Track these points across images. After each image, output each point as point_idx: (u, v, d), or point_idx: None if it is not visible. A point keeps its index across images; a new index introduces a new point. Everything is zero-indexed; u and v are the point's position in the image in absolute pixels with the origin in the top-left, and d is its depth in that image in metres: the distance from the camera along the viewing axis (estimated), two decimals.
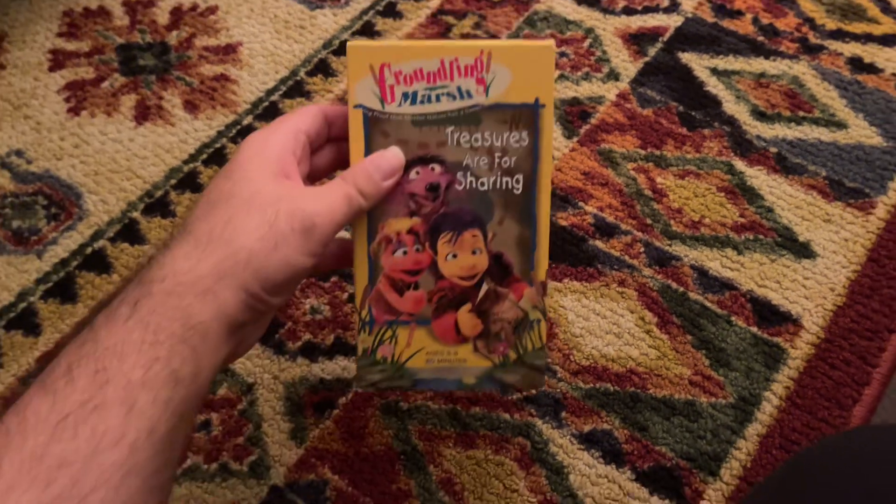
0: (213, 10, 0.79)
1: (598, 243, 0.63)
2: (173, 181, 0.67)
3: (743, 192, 0.65)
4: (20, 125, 0.71)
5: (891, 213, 0.64)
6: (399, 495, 0.52)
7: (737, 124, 0.69)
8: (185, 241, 0.35)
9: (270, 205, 0.35)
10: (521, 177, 0.40)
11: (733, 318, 0.59)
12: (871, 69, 0.73)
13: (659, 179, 0.66)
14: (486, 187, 0.40)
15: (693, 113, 0.70)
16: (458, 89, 0.39)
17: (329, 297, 0.60)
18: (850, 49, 0.74)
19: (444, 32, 0.76)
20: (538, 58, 0.39)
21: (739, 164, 0.67)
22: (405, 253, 0.41)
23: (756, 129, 0.69)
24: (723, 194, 0.65)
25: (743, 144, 0.68)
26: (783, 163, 0.67)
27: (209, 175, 0.68)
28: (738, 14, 0.77)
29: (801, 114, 0.70)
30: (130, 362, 0.31)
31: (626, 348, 0.58)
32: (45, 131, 0.70)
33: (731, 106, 0.71)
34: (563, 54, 0.75)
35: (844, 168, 0.67)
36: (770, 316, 0.59)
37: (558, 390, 0.56)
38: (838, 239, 0.63)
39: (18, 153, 0.69)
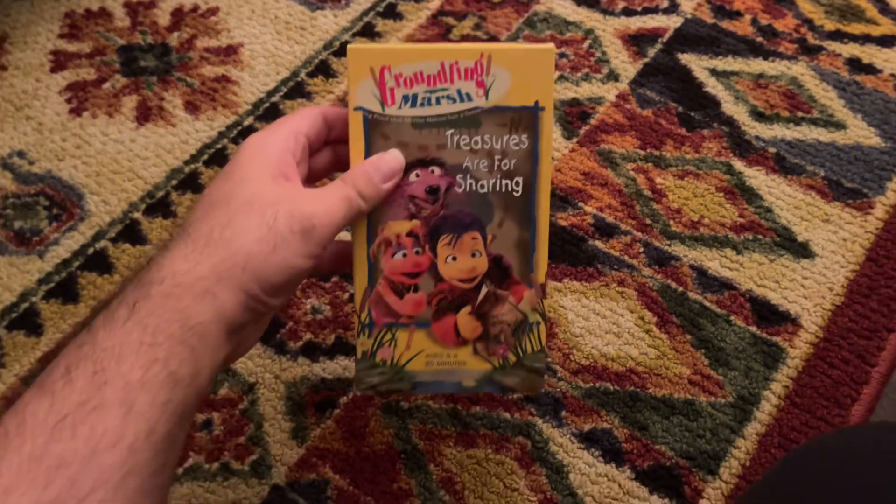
0: (213, 11, 0.79)
1: (598, 243, 0.63)
2: (174, 182, 0.68)
3: (742, 192, 0.66)
4: (22, 126, 0.71)
5: (889, 213, 0.64)
6: (400, 494, 0.52)
7: (736, 125, 0.70)
8: (183, 243, 0.35)
9: (269, 206, 0.35)
10: (520, 179, 0.40)
11: (732, 318, 0.59)
12: (870, 70, 0.73)
13: (658, 180, 0.66)
14: (485, 190, 0.40)
15: (692, 113, 0.71)
16: (458, 92, 0.39)
17: (330, 297, 0.61)
18: (849, 50, 0.75)
19: (445, 33, 0.77)
20: (538, 61, 0.39)
21: (738, 165, 0.67)
22: (405, 255, 0.41)
23: (755, 129, 0.69)
24: (722, 194, 0.65)
25: (742, 145, 0.68)
26: (782, 163, 0.67)
27: (210, 176, 0.68)
28: (737, 15, 0.78)
29: (800, 114, 0.70)
30: (129, 363, 0.31)
31: (626, 348, 0.58)
32: (47, 132, 0.71)
33: (730, 106, 0.71)
34: (562, 55, 0.75)
35: (843, 168, 0.67)
36: (769, 315, 0.59)
37: (558, 389, 0.56)
38: (837, 239, 0.63)
39: (20, 154, 0.69)
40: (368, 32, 0.77)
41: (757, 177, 0.66)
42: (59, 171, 0.68)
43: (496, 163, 0.40)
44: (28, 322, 0.60)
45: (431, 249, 0.41)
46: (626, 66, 0.74)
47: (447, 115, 0.39)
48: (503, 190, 0.40)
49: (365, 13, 0.79)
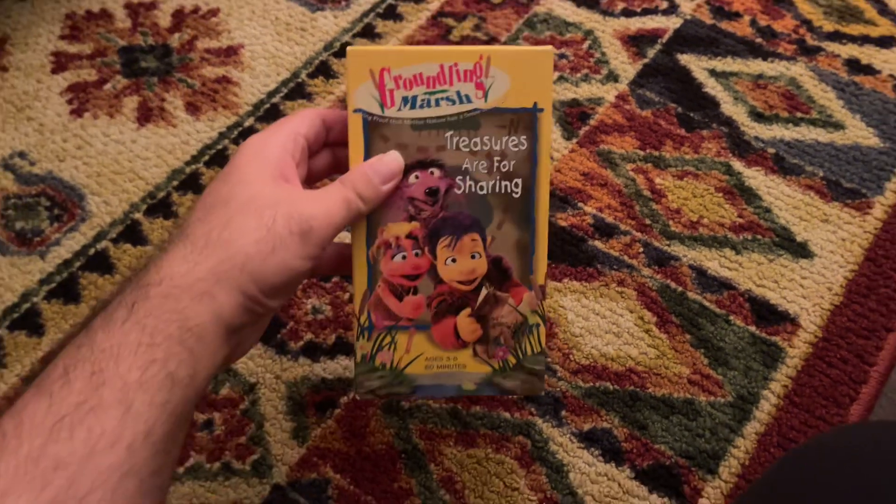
0: (214, 12, 0.79)
1: (598, 243, 0.63)
2: (175, 182, 0.68)
3: (741, 192, 0.66)
4: (23, 127, 0.71)
5: (888, 214, 0.65)
6: (400, 494, 0.53)
7: (735, 125, 0.70)
8: (182, 244, 0.35)
9: (268, 208, 0.35)
10: (519, 181, 0.40)
11: (732, 318, 0.59)
12: (868, 70, 0.73)
13: (658, 180, 0.67)
14: (485, 191, 0.40)
15: (691, 114, 0.71)
16: (458, 94, 0.39)
17: (331, 297, 0.61)
18: (848, 51, 0.75)
19: (445, 34, 0.77)
20: (537, 63, 0.39)
21: (737, 165, 0.67)
22: (404, 257, 0.41)
23: (754, 129, 0.70)
24: (721, 195, 0.66)
25: (741, 145, 0.69)
26: (781, 163, 0.67)
27: (211, 176, 0.68)
28: (736, 16, 0.78)
29: (799, 115, 0.70)
30: (127, 364, 0.31)
31: (626, 347, 0.58)
32: (48, 133, 0.71)
33: (729, 107, 0.71)
34: (562, 56, 0.75)
35: (842, 168, 0.67)
36: (768, 315, 0.60)
37: (558, 389, 0.56)
38: (836, 239, 0.63)
39: (21, 155, 0.70)
40: (369, 33, 0.77)
41: (756, 177, 0.67)
42: (61, 171, 0.68)
43: (495, 164, 0.40)
44: (29, 322, 0.60)
45: (431, 251, 0.41)
46: (626, 66, 0.74)
47: (446, 116, 0.39)
48: (502, 191, 0.40)
49: (365, 14, 0.79)
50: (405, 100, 0.39)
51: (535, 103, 0.39)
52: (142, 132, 0.71)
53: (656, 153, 0.68)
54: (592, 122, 0.70)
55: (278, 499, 0.53)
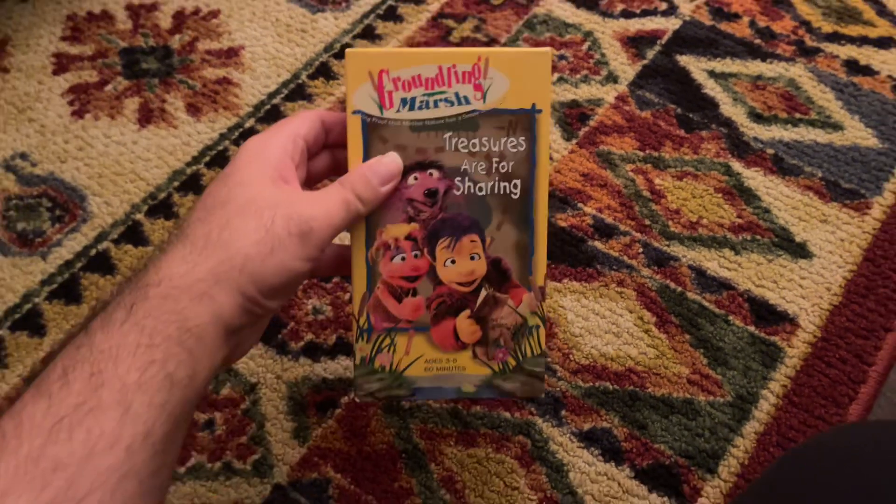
0: (215, 13, 0.79)
1: (598, 244, 0.63)
2: (176, 183, 0.68)
3: (740, 192, 0.66)
4: (24, 128, 0.71)
5: (886, 214, 0.65)
6: (401, 493, 0.53)
7: (734, 126, 0.70)
8: (181, 245, 0.35)
9: (267, 209, 0.35)
10: (518, 182, 0.40)
11: (731, 318, 0.60)
12: (867, 71, 0.73)
13: (657, 181, 0.67)
14: (483, 192, 0.40)
15: (691, 115, 0.71)
16: (456, 95, 0.39)
17: (331, 297, 0.61)
18: (846, 51, 0.75)
19: (445, 36, 0.77)
20: (535, 64, 0.39)
21: (737, 166, 0.68)
22: (403, 259, 0.41)
23: (753, 130, 0.70)
24: (720, 195, 0.66)
25: (740, 146, 0.69)
26: (780, 164, 0.68)
27: (212, 177, 0.68)
28: (735, 17, 0.78)
29: (798, 116, 0.71)
30: (126, 365, 0.31)
31: (625, 347, 0.58)
32: (50, 134, 0.71)
33: (728, 108, 0.71)
34: (562, 57, 0.75)
35: (840, 169, 0.67)
36: (767, 315, 0.60)
37: (558, 389, 0.57)
38: (834, 239, 0.63)
39: (23, 156, 0.70)
40: (369, 35, 0.78)
41: (755, 178, 0.67)
42: (62, 172, 0.69)
43: (494, 165, 0.40)
44: (31, 323, 0.61)
45: (430, 253, 0.41)
46: (625, 67, 0.74)
47: (445, 118, 0.39)
48: (501, 192, 0.40)
49: (365, 15, 0.79)
50: (404, 101, 0.39)
51: (534, 104, 0.40)
52: (143, 133, 0.71)
53: (656, 154, 0.68)
54: (592, 122, 0.71)
55: (279, 498, 0.53)
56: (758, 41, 0.76)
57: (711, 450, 0.54)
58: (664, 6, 0.79)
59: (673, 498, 0.52)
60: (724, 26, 0.77)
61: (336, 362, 0.58)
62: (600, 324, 0.59)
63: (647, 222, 0.64)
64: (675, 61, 0.75)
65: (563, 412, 0.56)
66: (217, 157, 0.69)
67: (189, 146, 0.70)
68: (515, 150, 0.40)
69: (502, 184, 0.40)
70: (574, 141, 0.69)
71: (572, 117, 0.71)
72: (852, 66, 0.74)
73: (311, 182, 0.42)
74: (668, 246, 0.63)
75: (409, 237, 0.40)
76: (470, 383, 0.42)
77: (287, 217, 0.35)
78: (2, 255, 0.64)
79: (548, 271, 0.60)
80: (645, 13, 0.79)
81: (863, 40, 0.76)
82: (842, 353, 0.58)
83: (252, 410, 0.56)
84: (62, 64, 0.76)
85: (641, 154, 0.68)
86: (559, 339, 0.59)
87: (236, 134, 0.71)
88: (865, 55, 0.75)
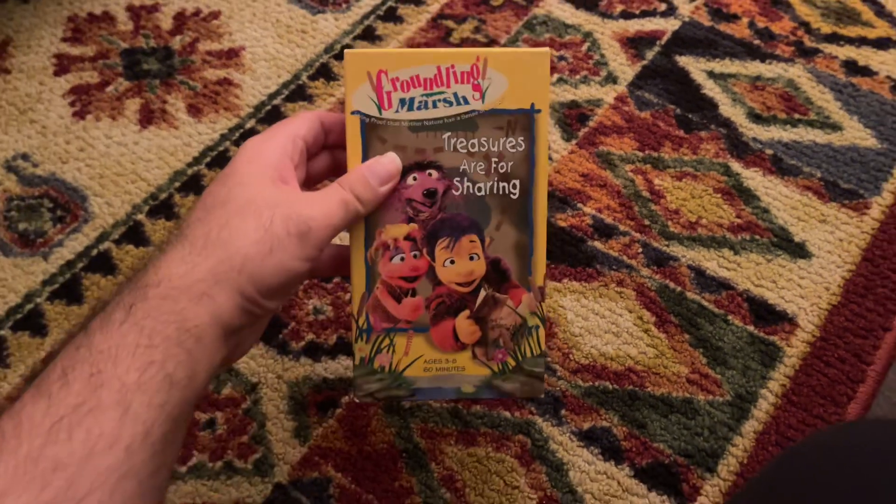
0: (216, 14, 0.80)
1: (597, 244, 0.64)
2: (177, 184, 0.68)
3: (739, 193, 0.66)
4: (26, 129, 0.72)
5: (885, 214, 0.65)
6: (401, 492, 0.53)
7: (733, 126, 0.70)
8: (180, 245, 0.35)
9: (267, 209, 0.35)
10: (517, 182, 0.40)
11: (730, 317, 0.60)
12: (866, 72, 0.74)
13: (656, 181, 0.67)
14: (483, 192, 0.40)
15: (690, 115, 0.71)
16: (455, 95, 0.39)
17: (332, 297, 0.61)
18: (845, 52, 0.75)
19: (444, 37, 0.77)
20: (533, 64, 0.39)
21: (736, 166, 0.68)
22: (402, 259, 0.41)
23: (752, 131, 0.70)
24: (719, 195, 0.66)
25: (739, 146, 0.69)
26: (779, 164, 0.68)
27: (212, 178, 0.68)
28: (734, 18, 0.78)
29: (797, 116, 0.71)
30: (125, 365, 0.31)
31: (625, 347, 0.59)
32: (51, 135, 0.71)
33: (727, 108, 0.71)
34: (561, 58, 0.75)
35: (839, 169, 0.67)
36: (766, 315, 0.60)
37: (558, 388, 0.57)
38: (833, 239, 0.64)
39: (24, 157, 0.70)
40: (369, 36, 0.78)
41: (754, 178, 0.67)
42: (63, 173, 0.69)
43: (493, 165, 0.40)
44: (32, 323, 0.61)
45: (429, 253, 0.41)
46: (625, 68, 0.75)
47: (444, 118, 0.39)
48: (500, 192, 0.40)
49: (366, 16, 0.79)
50: (403, 102, 0.39)
51: (533, 104, 0.40)
52: (144, 134, 0.71)
53: (655, 154, 0.69)
54: (591, 123, 0.71)
55: (280, 497, 0.53)
56: (757, 42, 0.76)
57: (711, 449, 0.54)
58: (663, 7, 0.79)
59: (672, 497, 0.53)
60: (723, 27, 0.77)
61: (337, 362, 0.58)
62: (600, 323, 0.60)
63: (647, 222, 0.65)
64: (674, 62, 0.75)
65: (563, 411, 0.56)
66: (218, 158, 0.70)
67: (190, 147, 0.70)
68: (514, 151, 0.40)
69: (501, 184, 0.40)
70: (573, 141, 0.70)
71: (572, 118, 0.71)
72: (851, 67, 0.74)
73: (310, 183, 0.42)
74: (668, 246, 0.63)
75: (408, 237, 0.40)
76: (469, 384, 0.42)
77: (286, 217, 0.35)
78: (3, 255, 0.64)
79: (547, 271, 0.60)
80: (644, 14, 0.79)
81: (861, 41, 0.76)
82: (840, 353, 0.58)
83: (253, 410, 0.56)
84: (63, 65, 0.76)
85: (641, 154, 0.69)
86: (559, 339, 0.59)
87: (237, 135, 0.71)
88: (864, 56, 0.75)
